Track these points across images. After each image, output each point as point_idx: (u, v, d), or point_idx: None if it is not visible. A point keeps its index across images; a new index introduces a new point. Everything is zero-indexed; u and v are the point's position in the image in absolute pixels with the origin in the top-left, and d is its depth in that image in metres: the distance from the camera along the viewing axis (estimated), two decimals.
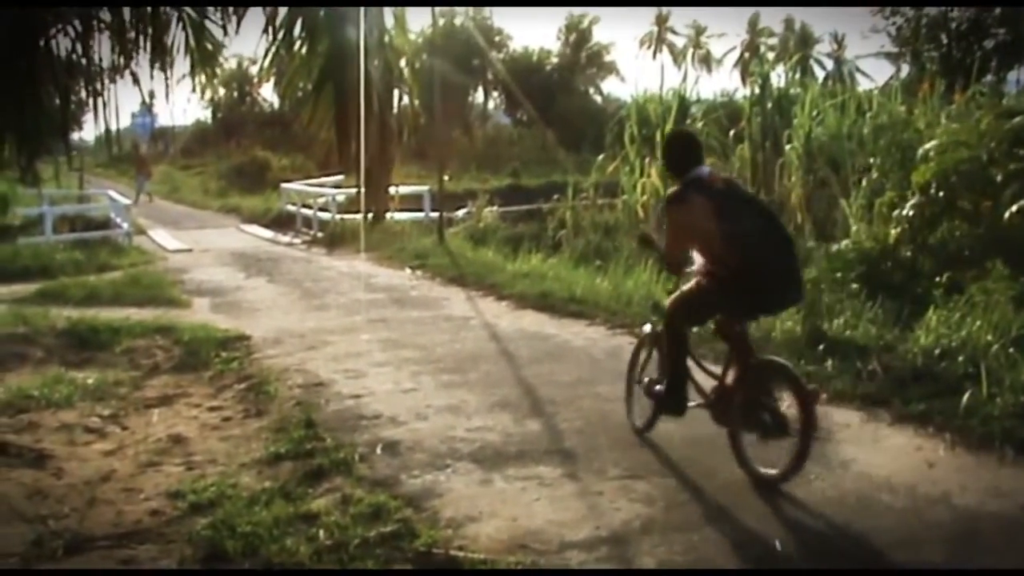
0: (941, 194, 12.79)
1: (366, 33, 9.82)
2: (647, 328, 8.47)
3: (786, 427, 6.81)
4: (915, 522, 6.23)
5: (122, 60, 8.92)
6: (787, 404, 6.87)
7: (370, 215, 24.99)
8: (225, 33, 9.37)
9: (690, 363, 7.66)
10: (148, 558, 6.12)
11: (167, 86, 9.37)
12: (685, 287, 7.59)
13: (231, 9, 9.01)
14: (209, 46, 9.48)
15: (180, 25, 8.99)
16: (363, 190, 13.08)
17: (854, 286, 11.83)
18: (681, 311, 7.54)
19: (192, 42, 9.09)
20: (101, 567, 6.03)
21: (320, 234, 27.02)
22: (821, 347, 9.93)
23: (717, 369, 7.52)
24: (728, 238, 7.06)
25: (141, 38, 8.79)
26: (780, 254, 7.19)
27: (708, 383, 7.53)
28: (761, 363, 7.33)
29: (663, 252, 7.84)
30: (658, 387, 7.80)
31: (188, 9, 8.96)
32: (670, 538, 6.07)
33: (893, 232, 13.02)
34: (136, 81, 9.22)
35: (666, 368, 7.76)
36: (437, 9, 25.53)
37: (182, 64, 9.28)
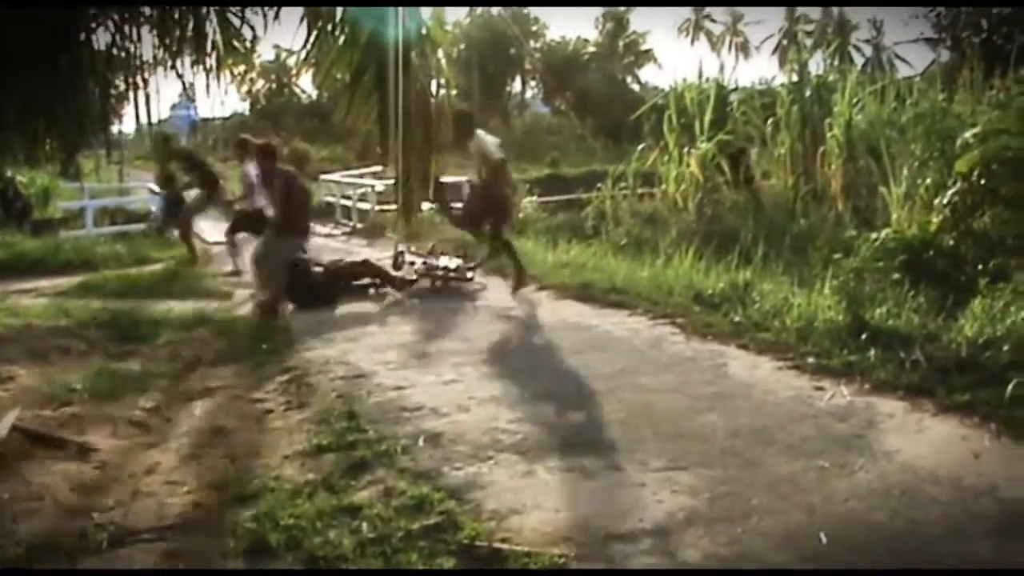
0: (983, 181, 12.68)
1: (403, 25, 9.81)
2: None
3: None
4: (961, 514, 6.15)
5: (162, 53, 8.96)
6: None
7: (414, 205, 24.96)
8: (254, 30, 9.41)
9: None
10: (192, 551, 6.15)
11: (207, 79, 9.41)
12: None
13: (266, 7, 9.04)
14: (242, 42, 9.50)
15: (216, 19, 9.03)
16: (401, 180, 13.24)
17: (896, 275, 11.71)
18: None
19: (220, 40, 9.11)
20: (144, 560, 6.06)
21: (359, 225, 27.06)
22: (863, 336, 9.83)
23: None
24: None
25: (180, 32, 8.82)
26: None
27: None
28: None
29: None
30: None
31: (215, 10, 8.98)
32: (714, 530, 6.03)
33: (935, 220, 12.93)
34: (179, 75, 9.28)
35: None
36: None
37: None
